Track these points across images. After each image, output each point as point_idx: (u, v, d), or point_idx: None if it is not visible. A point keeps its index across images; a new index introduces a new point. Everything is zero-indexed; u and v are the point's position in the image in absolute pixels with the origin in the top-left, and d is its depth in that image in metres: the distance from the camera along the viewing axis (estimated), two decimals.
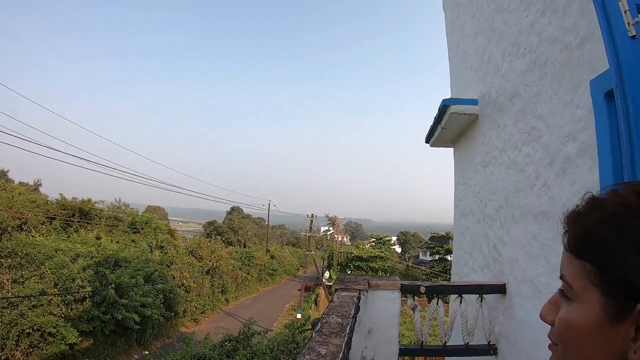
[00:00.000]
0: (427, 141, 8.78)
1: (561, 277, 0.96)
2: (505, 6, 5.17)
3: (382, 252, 57.30)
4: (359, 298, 4.63)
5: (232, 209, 66.28)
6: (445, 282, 7.19)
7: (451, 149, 8.66)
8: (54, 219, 29.92)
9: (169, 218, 59.41)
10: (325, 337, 2.97)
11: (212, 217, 69.28)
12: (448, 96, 7.85)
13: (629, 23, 1.52)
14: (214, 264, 39.13)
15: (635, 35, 1.48)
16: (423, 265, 59.48)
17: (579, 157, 3.47)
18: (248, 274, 47.15)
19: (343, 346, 2.77)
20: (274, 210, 62.90)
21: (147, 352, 23.14)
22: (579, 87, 3.40)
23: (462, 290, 5.17)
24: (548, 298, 1.00)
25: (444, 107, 6.78)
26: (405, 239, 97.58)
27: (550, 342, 1.00)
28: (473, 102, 6.32)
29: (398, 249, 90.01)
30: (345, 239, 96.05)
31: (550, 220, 3.97)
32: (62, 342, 19.60)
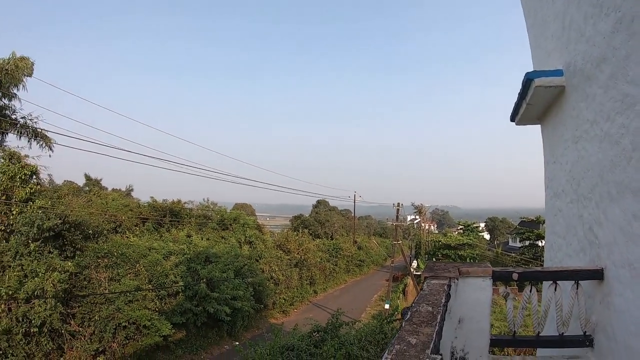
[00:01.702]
0: (512, 119, 8.33)
1: None
2: None
3: (470, 239, 56.41)
4: (449, 286, 4.40)
5: (318, 202, 66.81)
6: (538, 268, 6.78)
7: (539, 127, 8.18)
8: (146, 220, 31.41)
9: (257, 214, 60.43)
10: (415, 326, 2.80)
11: (299, 211, 70.01)
12: (531, 69, 7.41)
13: None
14: (302, 257, 39.71)
15: None
16: (513, 252, 57.79)
17: None
18: (336, 265, 47.56)
19: (434, 335, 2.59)
20: (360, 201, 62.90)
21: (237, 343, 23.67)
22: None
23: (556, 276, 4.79)
24: None
25: (528, 80, 6.36)
26: (493, 225, 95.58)
27: None
28: (558, 73, 5.88)
29: (487, 236, 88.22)
30: (432, 227, 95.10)
31: None
32: (156, 334, 20.49)
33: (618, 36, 3.98)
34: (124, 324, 19.64)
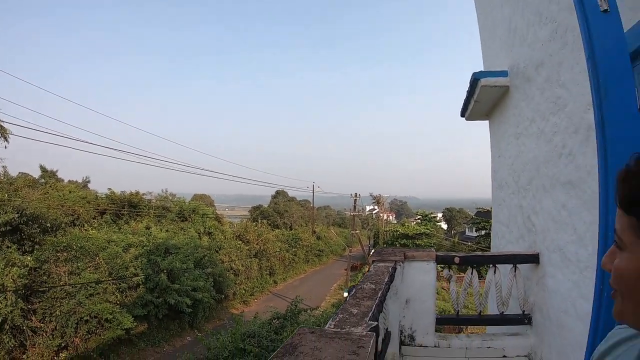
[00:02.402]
0: (462, 115, 8.78)
1: (614, 230, 1.08)
2: None
3: (427, 229, 57.05)
4: (394, 268, 4.82)
5: (277, 192, 66.87)
6: (479, 253, 7.27)
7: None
8: (104, 212, 31.07)
9: (215, 205, 60.21)
10: (358, 300, 3.24)
11: (258, 201, 69.96)
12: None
13: None
14: (261, 247, 39.93)
15: (607, 9, 1.56)
16: (469, 241, 58.82)
17: None
18: (295, 255, 47.81)
19: (374, 307, 3.01)
20: (319, 192, 63.22)
21: (199, 334, 23.90)
22: None
23: (495, 260, 5.25)
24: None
25: (475, 80, 6.80)
26: (451, 215, 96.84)
27: (612, 290, 1.12)
28: (503, 74, 6.31)
29: (444, 226, 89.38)
30: (390, 217, 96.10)
31: (577, 189, 4.02)
32: (119, 327, 20.48)
33: (554, 44, 4.42)
34: (85, 318, 19.57)
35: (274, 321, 15.09)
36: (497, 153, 7.50)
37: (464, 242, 60.53)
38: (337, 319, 2.75)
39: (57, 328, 19.06)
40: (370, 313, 2.87)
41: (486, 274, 5.35)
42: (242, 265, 35.07)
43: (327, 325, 2.57)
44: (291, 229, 55.77)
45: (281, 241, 45.77)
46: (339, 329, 2.48)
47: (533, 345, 5.12)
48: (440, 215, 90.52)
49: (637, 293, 1.00)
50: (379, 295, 3.43)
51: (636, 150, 1.13)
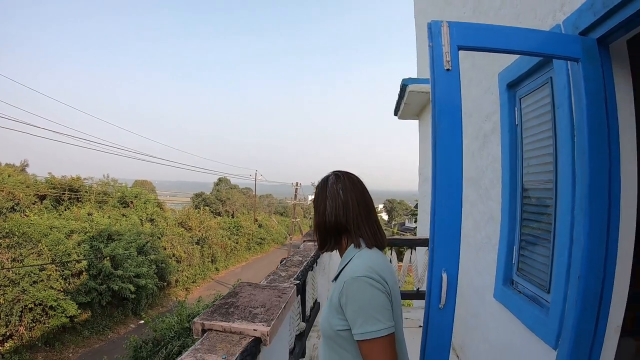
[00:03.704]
0: (395, 114, 9.69)
1: None
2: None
3: None
4: None
5: (220, 180, 66.53)
6: (398, 237, 8.21)
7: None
8: (45, 197, 30.62)
9: (157, 191, 59.72)
10: (287, 267, 4.26)
11: (200, 188, 69.71)
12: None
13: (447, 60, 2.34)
14: (203, 234, 40.12)
15: (449, 69, 2.29)
16: (409, 232, 60.42)
17: (492, 134, 4.41)
18: (237, 243, 47.95)
19: (298, 272, 3.99)
20: (261, 180, 63.51)
21: (142, 321, 24.12)
22: (493, 77, 4.25)
23: (413, 243, 6.17)
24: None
25: (403, 86, 7.69)
26: (391, 206, 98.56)
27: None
28: (427, 81, 7.13)
29: (385, 217, 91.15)
30: None
31: (476, 184, 4.93)
32: (63, 314, 20.56)
33: (466, 62, 5.15)
34: (30, 305, 19.57)
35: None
36: (424, 150, 8.41)
37: (403, 232, 62.15)
38: (269, 279, 3.70)
39: (1, 317, 18.97)
40: (295, 275, 3.84)
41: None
42: (184, 252, 35.18)
43: (260, 282, 3.50)
44: (233, 217, 55.81)
45: (223, 229, 45.99)
46: (270, 284, 3.43)
47: None
48: (381, 206, 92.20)
49: None
50: (304, 264, 4.46)
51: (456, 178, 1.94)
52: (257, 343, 2.38)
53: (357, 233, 2.00)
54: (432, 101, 2.23)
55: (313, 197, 2.12)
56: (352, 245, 2.00)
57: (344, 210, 1.99)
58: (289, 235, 49.32)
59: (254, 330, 2.39)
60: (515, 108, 3.78)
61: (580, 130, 2.47)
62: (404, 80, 7.69)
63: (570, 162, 2.68)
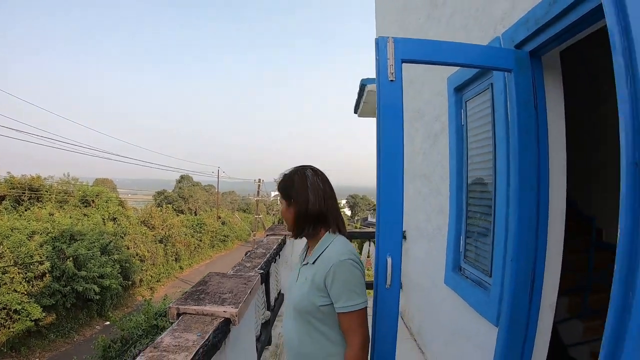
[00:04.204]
0: (355, 112, 10.05)
1: None
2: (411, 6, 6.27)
3: None
4: (284, 240, 6.35)
5: (182, 177, 65.80)
6: (355, 230, 8.56)
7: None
8: (4, 198, 30.13)
9: (118, 190, 58.91)
10: (251, 259, 4.65)
11: (162, 186, 69.01)
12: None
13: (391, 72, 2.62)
14: (166, 233, 39.82)
15: (393, 80, 2.57)
16: (371, 227, 60.78)
17: (441, 133, 4.75)
18: (200, 241, 47.70)
19: (262, 263, 4.40)
20: (224, 177, 63.24)
21: (108, 322, 23.91)
22: (443, 81, 4.58)
23: (369, 235, 6.52)
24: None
25: (362, 85, 8.04)
26: (354, 202, 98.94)
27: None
28: None
29: (348, 212, 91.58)
30: None
31: (428, 180, 5.31)
32: (28, 318, 20.30)
33: (420, 66, 5.45)
34: None
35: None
36: None
37: (366, 227, 62.61)
38: (235, 269, 4.16)
39: None
40: (259, 266, 4.27)
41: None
42: (147, 251, 34.93)
43: (228, 272, 3.88)
44: (196, 214, 55.46)
45: (186, 226, 45.59)
46: (236, 273, 3.84)
47: (403, 305, 6.35)
48: (344, 201, 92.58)
49: None
50: (267, 256, 4.87)
51: (396, 180, 2.26)
52: (227, 323, 2.68)
53: (334, 221, 2.32)
54: (377, 108, 2.50)
55: (283, 188, 2.35)
56: (329, 232, 2.30)
57: (324, 201, 2.29)
58: (253, 231, 49.33)
59: (224, 312, 2.69)
60: (462, 110, 4.12)
61: (513, 132, 2.81)
62: (363, 80, 8.03)
63: (505, 160, 3.02)
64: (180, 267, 41.65)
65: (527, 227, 2.80)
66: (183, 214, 53.08)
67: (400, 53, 2.52)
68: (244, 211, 78.79)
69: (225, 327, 2.65)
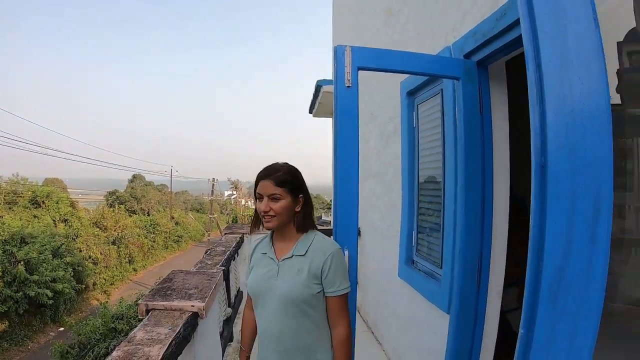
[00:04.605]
0: (310, 112, 10.27)
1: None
2: (368, 11, 6.47)
3: None
4: (241, 238, 6.58)
5: (134, 176, 64.51)
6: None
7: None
8: None
9: (69, 190, 57.51)
10: (212, 256, 4.90)
11: (113, 186, 67.63)
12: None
13: (348, 79, 2.81)
14: (119, 234, 39.09)
15: (350, 86, 2.76)
16: (325, 225, 60.91)
17: (394, 134, 5.00)
18: (154, 242, 46.98)
19: (223, 260, 4.65)
20: (177, 176, 62.75)
21: (63, 328, 23.46)
22: (396, 85, 4.80)
23: (325, 232, 6.73)
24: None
25: (318, 86, 8.26)
26: None
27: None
28: None
29: None
30: (249, 202, 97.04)
31: (381, 179, 5.57)
32: None
33: None
34: None
35: (139, 301, 15.69)
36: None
37: (320, 225, 62.64)
38: (198, 266, 4.35)
39: None
40: (220, 263, 4.50)
41: None
42: (100, 253, 34.23)
43: (190, 269, 4.08)
44: (149, 215, 54.64)
45: (139, 227, 44.78)
46: (199, 270, 4.04)
47: (359, 300, 6.55)
48: None
49: None
50: (227, 254, 5.12)
51: (352, 174, 2.48)
52: (195, 317, 2.87)
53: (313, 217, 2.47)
54: (334, 112, 2.69)
55: (291, 182, 2.31)
56: (311, 226, 2.42)
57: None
58: (207, 231, 48.99)
59: (192, 306, 2.89)
60: (414, 113, 4.37)
61: (460, 134, 3.07)
62: (318, 81, 8.24)
63: (453, 159, 3.27)
64: (134, 270, 40.91)
65: (473, 221, 3.08)
66: (136, 214, 52.04)
67: (357, 61, 2.70)
68: (198, 211, 77.88)
69: (193, 320, 2.83)
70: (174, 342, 2.42)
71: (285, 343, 2.27)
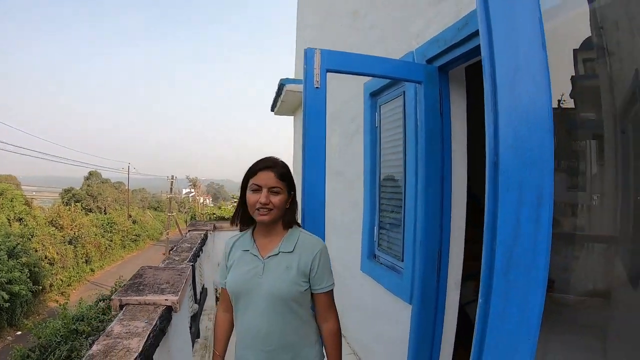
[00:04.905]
0: (272, 110, 10.40)
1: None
2: (334, 12, 6.62)
3: None
4: (206, 235, 6.70)
5: (90, 173, 63.01)
6: None
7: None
8: None
9: (23, 187, 56.07)
10: (179, 253, 5.01)
11: (69, 183, 66.06)
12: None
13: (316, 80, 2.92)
14: (76, 233, 38.25)
15: (318, 87, 2.87)
16: None
17: (357, 133, 5.18)
18: (111, 241, 46.09)
19: (190, 256, 4.76)
20: (134, 174, 61.89)
21: (20, 332, 22.95)
22: (360, 86, 4.97)
23: None
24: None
25: (281, 85, 8.41)
26: None
27: None
28: None
29: None
30: (207, 200, 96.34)
31: (343, 177, 5.74)
32: None
33: None
34: None
35: (100, 303, 15.49)
36: (299, 145, 9.15)
37: None
38: (166, 262, 4.45)
39: None
40: (188, 259, 4.60)
41: None
42: (57, 253, 33.36)
43: (159, 265, 4.20)
44: (105, 213, 53.71)
45: (96, 226, 43.93)
46: (168, 266, 4.13)
47: None
48: None
49: None
50: (194, 250, 5.23)
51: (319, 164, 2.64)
52: (169, 311, 2.96)
53: None
54: (304, 111, 2.83)
55: (289, 178, 2.28)
56: (296, 223, 2.41)
57: None
58: (166, 230, 48.45)
59: (166, 300, 2.97)
60: (376, 113, 4.57)
61: (421, 134, 3.27)
62: (281, 80, 8.38)
63: (414, 158, 3.49)
64: (92, 270, 39.97)
65: (432, 217, 3.29)
66: (92, 212, 51.21)
67: (326, 63, 2.83)
68: (155, 209, 76.70)
69: (168, 314, 2.92)
70: (151, 334, 2.48)
71: (274, 342, 2.23)
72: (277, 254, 2.26)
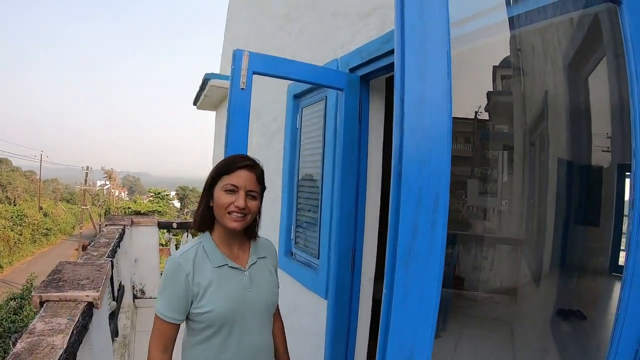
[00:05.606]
0: (194, 104, 10.43)
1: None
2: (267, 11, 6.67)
3: (160, 207, 56.62)
4: (123, 230, 6.61)
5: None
6: (185, 221, 9.09)
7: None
8: None
9: None
10: (97, 248, 4.99)
11: None
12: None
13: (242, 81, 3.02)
14: None
15: (244, 88, 2.97)
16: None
17: (277, 133, 5.34)
18: (21, 234, 43.99)
19: (108, 251, 4.78)
20: (47, 163, 59.72)
21: None
22: (283, 87, 5.12)
23: (184, 226, 7.11)
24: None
25: (205, 80, 8.48)
26: (184, 193, 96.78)
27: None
28: (229, 78, 7.89)
29: (177, 204, 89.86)
30: (123, 193, 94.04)
31: (278, 174, 5.87)
32: None
33: None
34: None
35: (11, 302, 15.03)
36: (220, 141, 9.21)
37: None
38: (85, 258, 4.41)
39: None
40: (106, 254, 4.63)
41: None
42: None
43: (78, 260, 4.21)
44: (15, 204, 51.56)
45: (5, 218, 41.94)
46: (87, 262, 4.12)
47: None
48: (173, 193, 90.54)
49: None
50: (112, 245, 5.21)
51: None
52: (90, 307, 2.97)
53: None
54: (228, 110, 2.93)
55: (263, 180, 2.08)
56: None
57: None
58: (80, 224, 46.98)
59: (87, 296, 2.98)
60: (298, 115, 4.74)
61: (339, 138, 3.47)
62: (206, 74, 8.44)
63: (332, 160, 3.69)
64: (0, 266, 38.33)
65: (347, 217, 3.49)
66: (0, 203, 49.06)
67: (253, 66, 2.93)
68: (68, 201, 73.83)
69: (89, 310, 2.94)
70: (75, 330, 2.48)
71: (269, 356, 2.11)
72: (255, 262, 2.07)
